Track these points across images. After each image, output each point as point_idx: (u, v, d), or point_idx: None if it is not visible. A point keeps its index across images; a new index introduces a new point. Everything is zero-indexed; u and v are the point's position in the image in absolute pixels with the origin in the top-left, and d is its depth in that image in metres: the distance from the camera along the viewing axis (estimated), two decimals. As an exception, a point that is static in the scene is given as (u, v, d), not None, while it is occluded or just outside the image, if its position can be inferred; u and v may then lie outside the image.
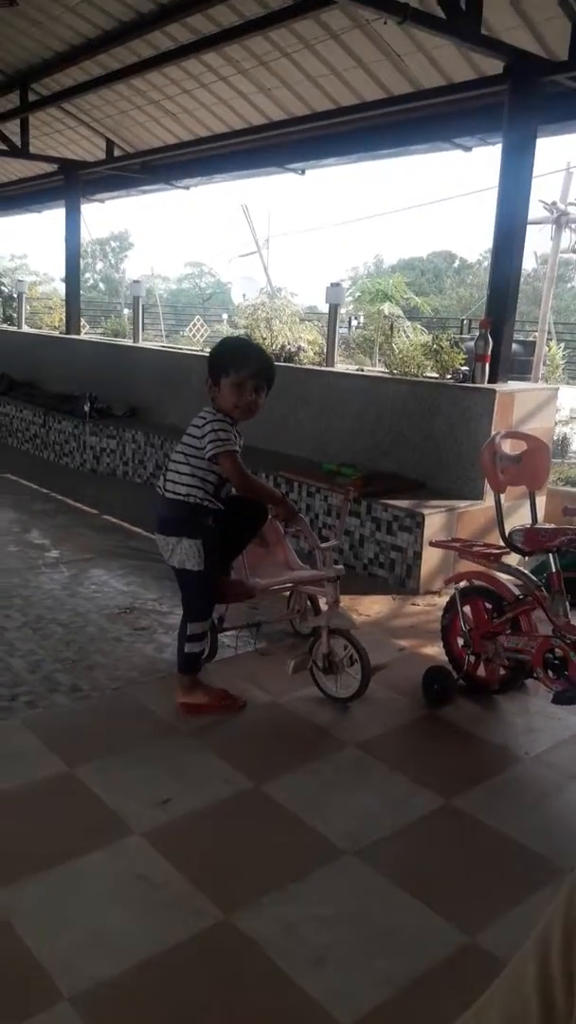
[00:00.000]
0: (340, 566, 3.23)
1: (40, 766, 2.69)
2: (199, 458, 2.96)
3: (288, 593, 3.77)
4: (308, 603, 3.77)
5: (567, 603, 2.92)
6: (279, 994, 1.83)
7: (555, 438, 8.60)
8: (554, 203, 18.79)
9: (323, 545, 3.19)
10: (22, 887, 2.13)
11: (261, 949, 1.95)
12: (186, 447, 3.01)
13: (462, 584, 3.30)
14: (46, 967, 1.88)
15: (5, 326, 11.62)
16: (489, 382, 5.03)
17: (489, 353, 5.00)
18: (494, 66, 5.07)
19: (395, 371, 5.88)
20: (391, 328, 8.13)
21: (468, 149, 6.57)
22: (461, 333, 13.50)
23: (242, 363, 2.99)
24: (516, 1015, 0.59)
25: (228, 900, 2.11)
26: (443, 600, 4.08)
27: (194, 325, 18.46)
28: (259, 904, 2.10)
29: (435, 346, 5.82)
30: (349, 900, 2.14)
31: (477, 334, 5.12)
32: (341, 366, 6.73)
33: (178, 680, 3.14)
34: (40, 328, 11.21)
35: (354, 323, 14.21)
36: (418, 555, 4.44)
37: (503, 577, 3.16)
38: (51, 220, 13.09)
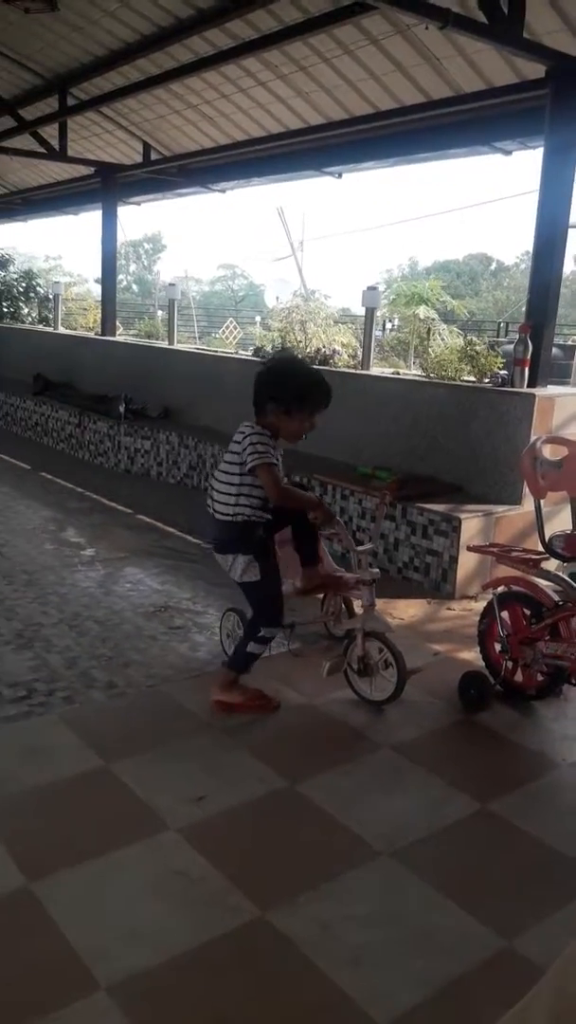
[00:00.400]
0: (376, 569, 3.23)
1: (76, 761, 2.72)
2: (243, 474, 2.99)
3: (322, 595, 3.77)
4: (342, 606, 3.77)
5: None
6: (315, 991, 1.84)
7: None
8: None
9: (359, 548, 3.19)
10: (60, 879, 2.16)
11: (297, 947, 1.96)
12: (229, 465, 3.05)
13: (500, 589, 3.28)
14: (83, 957, 1.90)
15: (41, 327, 11.76)
16: (528, 386, 5.00)
17: (529, 357, 4.97)
18: (536, 70, 5.05)
19: (431, 375, 5.85)
20: (427, 332, 8.10)
21: (508, 153, 6.55)
22: (498, 336, 13.43)
23: (323, 401, 3.05)
24: (565, 1013, 0.59)
25: (264, 898, 2.11)
26: (479, 605, 4.06)
27: (227, 327, 18.52)
28: (295, 902, 2.10)
29: (470, 351, 5.79)
30: (384, 901, 2.14)
31: (516, 338, 5.09)
32: (376, 369, 6.72)
33: (220, 675, 3.17)
34: (75, 329, 11.32)
35: (388, 326, 14.16)
36: (454, 559, 4.41)
37: (542, 583, 3.13)
38: (86, 222, 13.23)
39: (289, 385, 3.03)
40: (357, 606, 3.50)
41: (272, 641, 3.18)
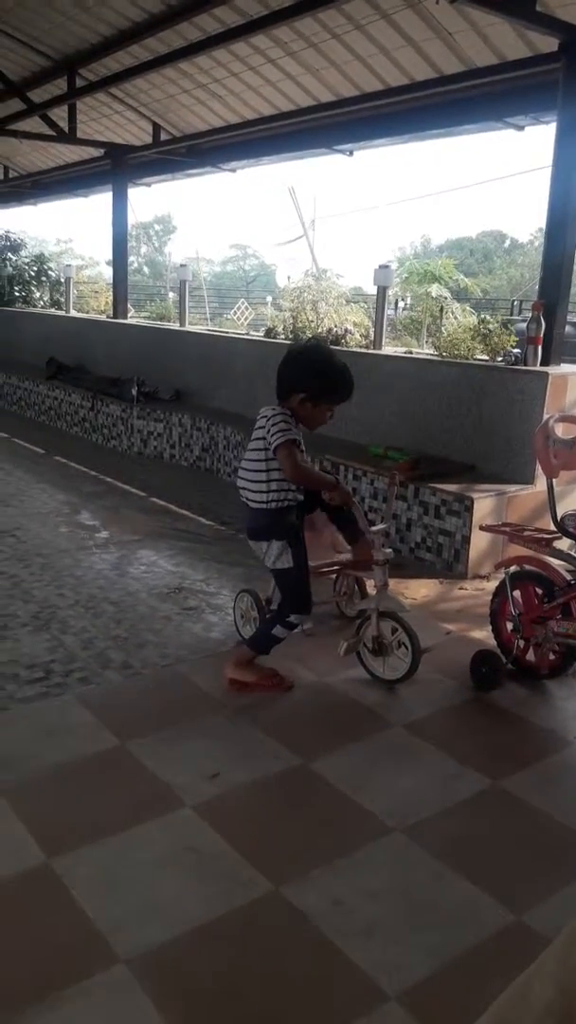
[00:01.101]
0: (389, 549, 3.23)
1: (94, 740, 2.76)
2: (270, 459, 3.02)
3: (335, 576, 3.79)
4: (355, 586, 3.79)
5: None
6: (327, 964, 1.87)
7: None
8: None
9: (372, 529, 3.21)
10: (79, 855, 2.20)
11: (309, 920, 1.99)
12: (255, 452, 3.07)
13: (512, 568, 3.28)
14: (102, 931, 1.94)
15: (53, 310, 11.77)
16: (541, 365, 4.97)
17: (542, 335, 4.94)
18: (548, 43, 4.99)
19: (444, 354, 5.83)
20: (440, 310, 8.04)
21: (521, 128, 6.47)
22: (511, 314, 13.30)
23: (347, 395, 3.12)
24: (569, 980, 0.61)
25: (277, 873, 2.15)
26: (491, 585, 4.07)
27: (239, 308, 18.47)
28: (308, 877, 2.14)
29: (483, 329, 5.76)
30: (396, 876, 2.17)
31: (529, 316, 5.06)
32: (389, 348, 6.70)
33: (237, 653, 3.21)
34: (87, 312, 11.32)
35: (401, 305, 14.08)
36: (466, 539, 4.42)
37: (554, 562, 3.14)
38: (96, 204, 13.19)
39: (320, 377, 3.05)
40: (370, 586, 3.52)
41: (295, 629, 3.18)
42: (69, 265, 11.77)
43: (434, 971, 1.85)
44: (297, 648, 3.47)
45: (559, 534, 3.06)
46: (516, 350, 5.34)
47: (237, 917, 2.01)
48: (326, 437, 5.71)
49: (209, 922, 1.99)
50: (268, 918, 2.01)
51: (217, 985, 1.82)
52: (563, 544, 3.13)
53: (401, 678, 3.14)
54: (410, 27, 5.74)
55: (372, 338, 6.50)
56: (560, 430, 3.12)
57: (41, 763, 2.62)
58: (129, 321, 9.76)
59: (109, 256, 9.89)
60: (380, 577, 3.20)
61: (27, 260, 13.24)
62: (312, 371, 3.06)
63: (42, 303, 12.66)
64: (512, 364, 5.15)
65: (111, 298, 10.02)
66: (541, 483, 3.49)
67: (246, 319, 17.04)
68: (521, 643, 3.20)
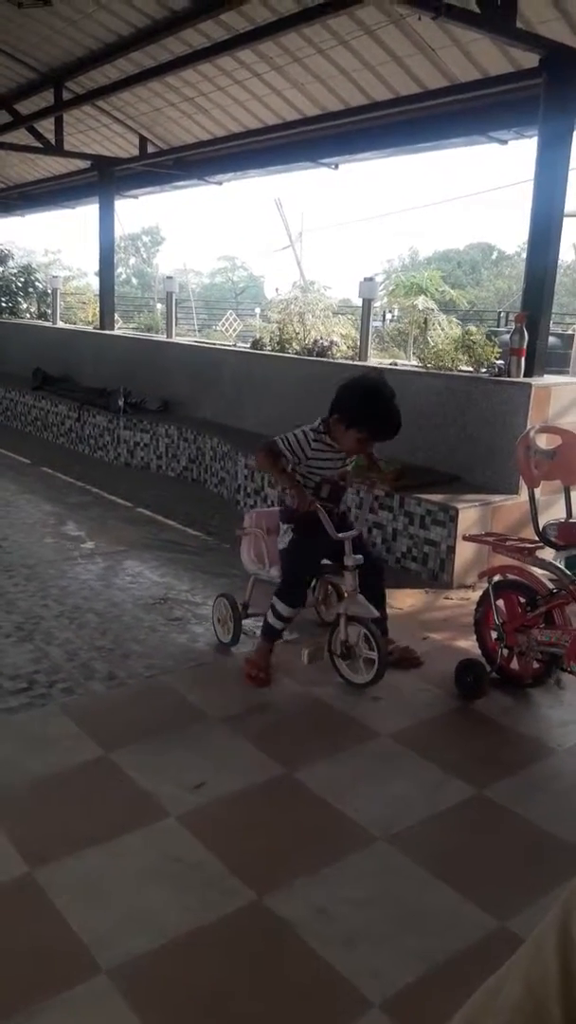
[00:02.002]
0: (359, 555, 3.26)
1: (77, 751, 2.75)
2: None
3: (313, 583, 3.81)
4: (334, 592, 3.81)
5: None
6: (310, 972, 1.87)
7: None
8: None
9: (340, 535, 3.22)
10: (62, 865, 2.19)
11: (293, 929, 1.99)
12: None
13: (496, 578, 3.30)
14: (85, 941, 1.94)
15: (40, 322, 11.77)
16: (525, 376, 5.01)
17: (525, 347, 4.98)
18: (530, 59, 5.05)
19: (429, 365, 5.87)
20: (425, 322, 8.11)
21: (504, 142, 6.55)
22: (498, 326, 13.41)
23: (382, 433, 3.18)
24: (537, 979, 0.61)
25: (261, 882, 2.15)
26: (476, 594, 4.08)
27: (227, 320, 18.51)
28: (291, 886, 2.14)
29: (467, 341, 5.80)
30: (380, 884, 2.17)
31: (513, 327, 5.11)
32: (375, 360, 6.74)
33: (257, 645, 3.39)
34: (74, 323, 11.33)
35: (388, 317, 14.15)
36: (451, 549, 4.44)
37: (537, 571, 3.16)
38: (84, 216, 13.23)
39: (358, 404, 3.12)
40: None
41: (288, 623, 3.29)
42: (56, 276, 11.78)
43: (418, 978, 1.86)
44: (283, 657, 3.48)
45: (541, 544, 3.08)
46: (500, 361, 5.38)
47: (221, 926, 2.01)
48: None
49: (192, 932, 1.98)
50: (252, 927, 2.01)
51: (200, 995, 1.81)
52: (546, 554, 3.15)
53: (369, 682, 3.18)
54: (394, 43, 5.80)
55: (358, 349, 6.54)
56: (542, 440, 3.15)
57: (24, 774, 2.61)
58: (116, 332, 9.77)
59: (97, 267, 9.89)
60: (350, 583, 3.24)
61: (14, 271, 13.24)
62: (353, 397, 3.13)
63: (29, 314, 12.65)
64: (496, 375, 5.19)
65: (98, 309, 10.03)
66: (526, 493, 3.51)
67: (234, 331, 17.08)
68: (505, 652, 3.21)
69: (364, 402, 3.11)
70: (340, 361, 6.43)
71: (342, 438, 3.18)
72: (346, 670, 3.27)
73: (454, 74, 5.87)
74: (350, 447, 3.22)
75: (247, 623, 3.63)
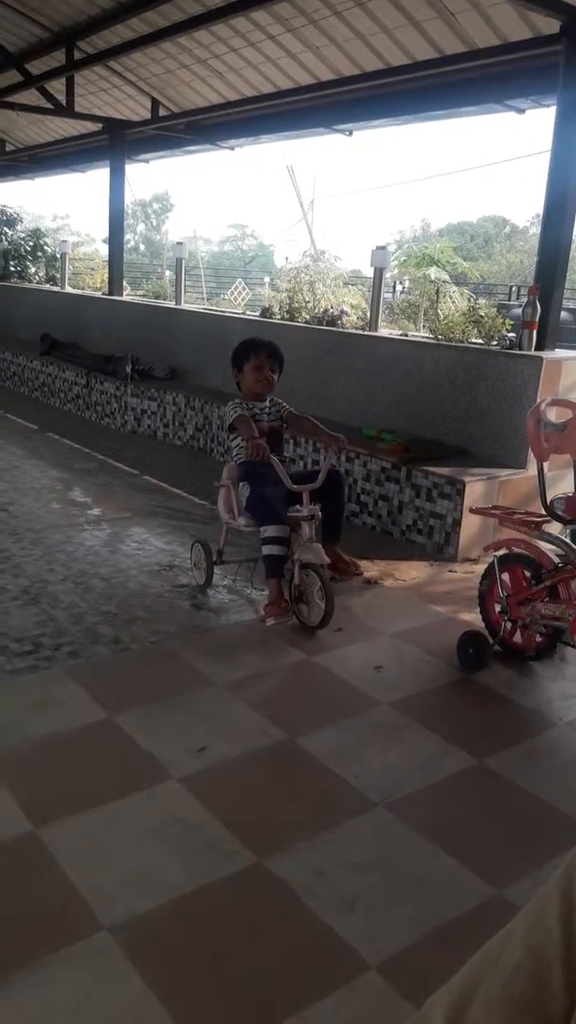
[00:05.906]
0: (316, 505, 3.59)
1: (82, 713, 2.77)
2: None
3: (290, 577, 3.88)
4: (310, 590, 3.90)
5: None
6: (309, 934, 1.90)
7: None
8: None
9: (295, 487, 3.55)
10: (65, 825, 2.22)
11: (292, 891, 2.02)
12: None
13: (501, 551, 3.30)
14: (87, 899, 1.96)
15: (48, 286, 11.68)
16: (536, 349, 4.97)
17: (537, 320, 4.93)
18: (550, 25, 4.94)
19: (440, 337, 5.81)
20: (437, 293, 8.02)
21: (522, 111, 6.42)
22: (509, 299, 13.27)
23: (256, 349, 3.89)
24: (538, 943, 0.62)
25: (261, 845, 2.17)
26: (481, 568, 4.08)
27: (236, 288, 18.37)
28: (291, 849, 2.16)
29: (475, 316, 5.74)
30: (379, 849, 2.19)
31: (525, 300, 5.05)
32: (385, 331, 6.68)
33: (268, 590, 3.59)
34: (82, 289, 11.24)
35: (399, 288, 14.02)
36: (457, 522, 4.43)
37: (543, 545, 3.15)
38: (94, 180, 13.07)
39: (236, 350, 3.97)
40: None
41: (282, 544, 3.51)
42: (65, 241, 11.67)
43: (414, 942, 1.88)
44: (283, 626, 3.49)
45: (548, 518, 3.07)
46: (511, 334, 5.33)
47: (220, 888, 2.03)
48: (319, 418, 5.70)
49: (192, 892, 2.01)
50: (251, 888, 2.04)
51: (199, 953, 1.84)
52: (553, 528, 3.15)
53: (319, 624, 3.43)
54: (412, 6, 5.68)
55: (368, 320, 6.48)
56: (552, 414, 3.13)
57: (28, 734, 2.64)
58: (125, 298, 9.70)
59: (106, 233, 9.78)
60: (307, 532, 3.53)
61: (23, 235, 13.13)
62: (234, 352, 3.96)
63: (37, 278, 12.56)
64: (507, 348, 5.15)
65: (107, 275, 9.94)
66: (533, 467, 3.49)
67: (243, 299, 16.94)
68: (508, 625, 3.22)
69: (238, 346, 3.94)
70: (350, 331, 6.38)
71: (245, 383, 3.87)
72: (302, 613, 3.52)
73: (472, 39, 5.75)
74: (253, 382, 3.84)
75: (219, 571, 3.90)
